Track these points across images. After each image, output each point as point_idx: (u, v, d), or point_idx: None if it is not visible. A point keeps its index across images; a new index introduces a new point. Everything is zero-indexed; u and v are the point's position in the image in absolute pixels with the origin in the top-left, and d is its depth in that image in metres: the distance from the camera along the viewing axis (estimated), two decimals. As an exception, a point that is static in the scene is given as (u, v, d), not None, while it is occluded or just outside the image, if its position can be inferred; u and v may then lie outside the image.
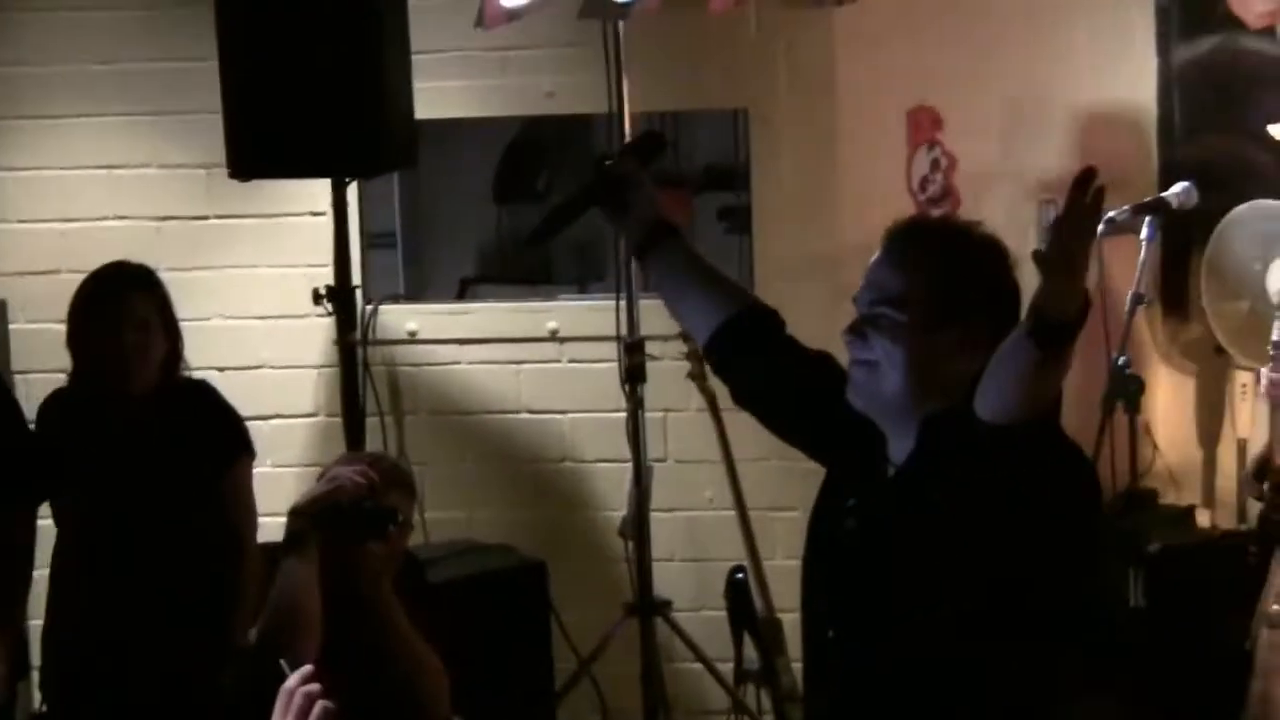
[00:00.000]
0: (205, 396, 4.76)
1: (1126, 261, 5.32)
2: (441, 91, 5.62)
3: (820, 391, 3.07)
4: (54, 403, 4.74)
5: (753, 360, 3.22)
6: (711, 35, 5.66)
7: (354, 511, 3.62)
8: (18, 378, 5.77)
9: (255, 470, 4.84)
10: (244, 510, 4.69)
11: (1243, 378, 5.69)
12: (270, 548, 4.15)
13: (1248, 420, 5.72)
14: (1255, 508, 5.49)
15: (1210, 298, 5.47)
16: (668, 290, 3.35)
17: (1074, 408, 5.52)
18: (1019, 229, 5.61)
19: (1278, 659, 4.72)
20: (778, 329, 3.28)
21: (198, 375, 4.87)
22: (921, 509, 2.87)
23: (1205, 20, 5.94)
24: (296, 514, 3.51)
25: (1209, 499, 5.93)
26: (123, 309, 4.60)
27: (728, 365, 3.38)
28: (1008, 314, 2.83)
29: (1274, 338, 4.76)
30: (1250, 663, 4.87)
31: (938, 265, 2.87)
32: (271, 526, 4.30)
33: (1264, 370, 4.84)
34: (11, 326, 5.96)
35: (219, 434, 4.71)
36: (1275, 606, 4.73)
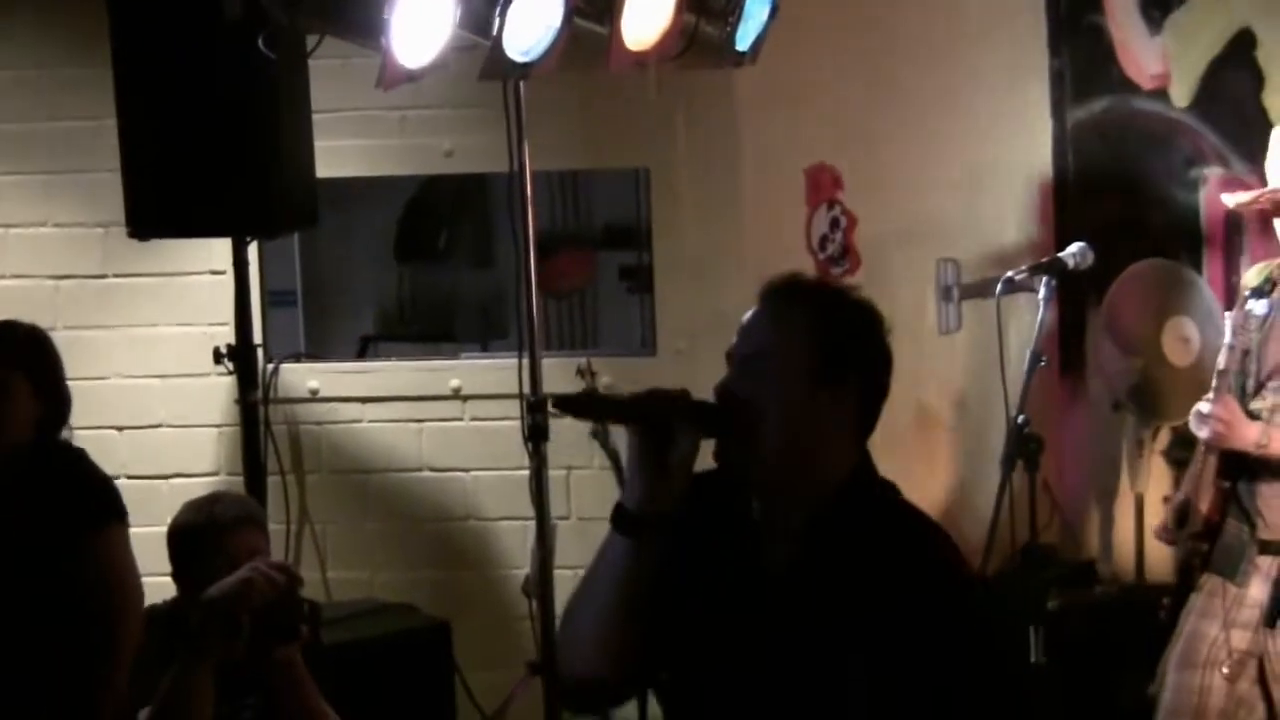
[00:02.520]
0: (74, 464, 4.44)
1: (1023, 321, 5.30)
2: (341, 150, 5.54)
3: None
4: None
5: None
6: (612, 96, 5.55)
7: (270, 614, 3.52)
8: None
9: (151, 530, 4.34)
10: (113, 579, 4.31)
11: (1139, 434, 5.72)
12: (156, 609, 4.11)
13: (1145, 475, 5.71)
14: (1154, 561, 5.67)
15: (1106, 356, 5.54)
16: (608, 578, 2.98)
17: (975, 465, 5.74)
18: (918, 287, 5.94)
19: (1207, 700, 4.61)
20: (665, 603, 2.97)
21: (95, 434, 4.82)
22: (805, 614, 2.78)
23: (1098, 83, 6.01)
24: (205, 606, 3.34)
25: (1107, 554, 5.94)
26: None
27: (641, 685, 3.25)
28: (879, 380, 2.80)
29: (1219, 366, 4.71)
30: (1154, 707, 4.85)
31: (815, 325, 2.78)
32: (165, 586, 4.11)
33: (1194, 415, 4.72)
34: None
35: (81, 502, 4.35)
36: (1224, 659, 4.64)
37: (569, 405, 2.90)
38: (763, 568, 2.79)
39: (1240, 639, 4.38)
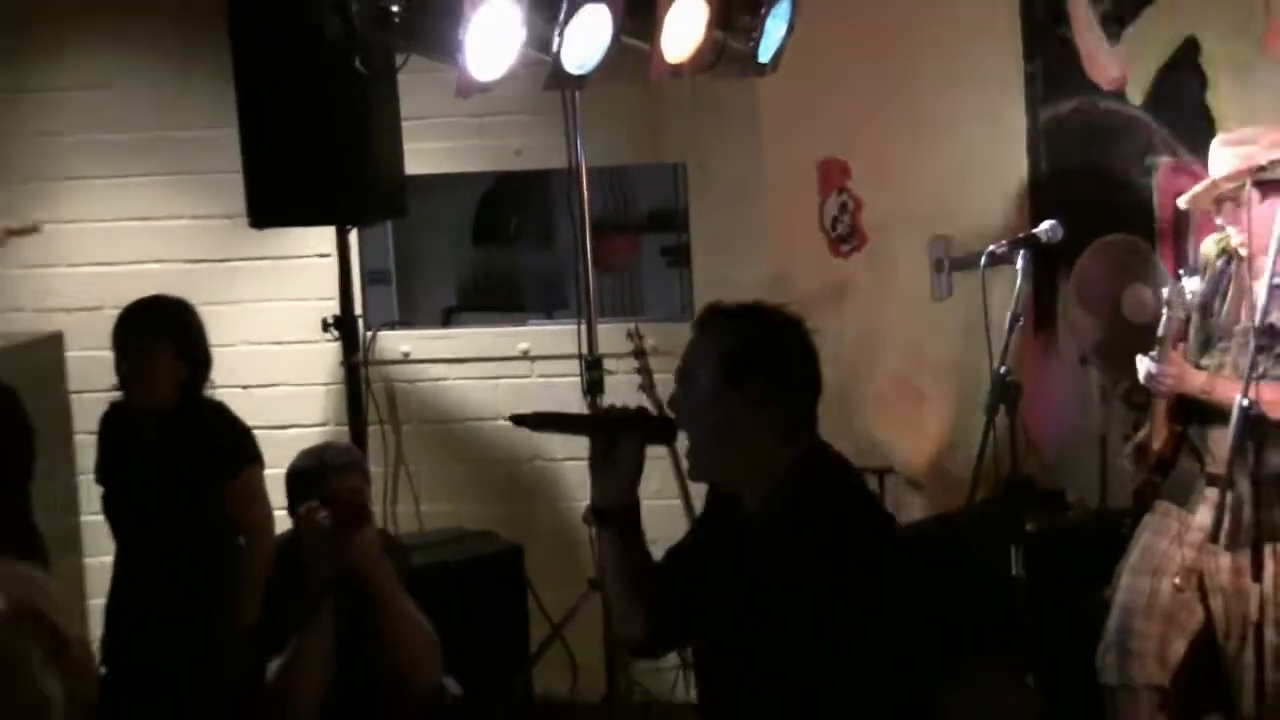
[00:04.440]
0: (218, 414, 4.95)
1: (1005, 288, 5.44)
2: (426, 151, 5.80)
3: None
4: (109, 414, 4.99)
5: (691, 628, 3.29)
6: (653, 101, 5.89)
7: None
8: (73, 396, 6.14)
9: (271, 471, 4.88)
10: (250, 511, 4.81)
11: (1102, 383, 6.11)
12: (281, 538, 4.54)
13: (1107, 418, 6.07)
14: (1115, 490, 5.93)
15: (1073, 317, 5.87)
16: (608, 563, 3.26)
17: (965, 409, 5.86)
18: (915, 260, 6.33)
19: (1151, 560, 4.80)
20: (677, 577, 3.26)
21: (225, 392, 5.07)
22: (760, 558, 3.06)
23: (1065, 86, 6.33)
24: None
25: (1075, 484, 6.22)
26: (127, 348, 4.87)
27: (675, 644, 3.67)
28: (794, 382, 3.09)
29: (1159, 333, 4.92)
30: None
31: (722, 343, 3.05)
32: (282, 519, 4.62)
33: (1143, 362, 4.95)
34: (68, 354, 6.23)
35: (226, 446, 4.88)
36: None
37: (526, 421, 3.16)
38: (745, 547, 3.10)
39: (1188, 556, 4.66)
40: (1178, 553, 4.70)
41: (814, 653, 3.02)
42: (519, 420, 3.24)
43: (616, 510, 3.01)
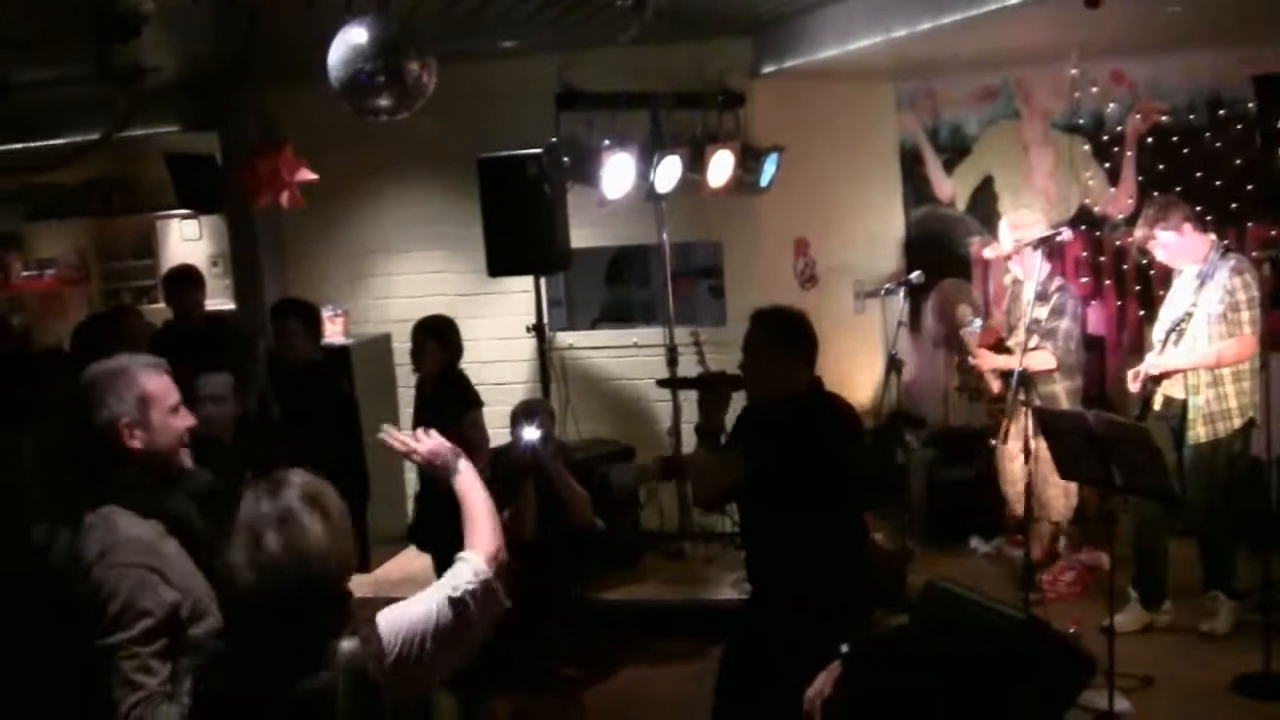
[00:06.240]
0: (460, 381, 6.06)
1: (892, 308, 7.06)
2: (582, 234, 7.16)
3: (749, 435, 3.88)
4: (419, 387, 6.21)
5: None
6: (704, 206, 7.24)
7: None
8: (399, 370, 7.69)
9: (500, 409, 6.05)
10: (481, 436, 5.74)
11: (949, 359, 7.64)
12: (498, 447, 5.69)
13: (950, 377, 7.59)
14: (954, 416, 7.48)
15: (930, 323, 7.61)
16: (699, 458, 3.96)
17: (872, 373, 7.49)
18: (845, 293, 8.02)
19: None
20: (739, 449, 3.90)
21: (471, 367, 6.20)
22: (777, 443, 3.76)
23: (922, 199, 8.25)
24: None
25: (932, 413, 7.91)
26: (416, 343, 6.04)
27: (725, 501, 4.31)
28: (807, 342, 3.97)
29: (1006, 281, 6.37)
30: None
31: (766, 325, 4.01)
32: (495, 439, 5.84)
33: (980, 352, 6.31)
34: (394, 345, 7.92)
35: (464, 399, 5.95)
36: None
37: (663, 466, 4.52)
38: (770, 433, 3.81)
39: (1021, 446, 5.70)
40: (1022, 446, 5.74)
41: (807, 489, 3.79)
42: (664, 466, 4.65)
43: (710, 432, 3.95)
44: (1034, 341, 6.13)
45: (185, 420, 3.08)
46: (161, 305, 9.51)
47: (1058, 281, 6.42)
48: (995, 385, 6.46)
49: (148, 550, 2.85)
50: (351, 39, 4.66)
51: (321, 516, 2.44)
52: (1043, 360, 6.22)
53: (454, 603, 2.67)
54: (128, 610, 2.77)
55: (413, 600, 2.68)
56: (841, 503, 3.91)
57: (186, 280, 7.07)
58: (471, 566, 2.76)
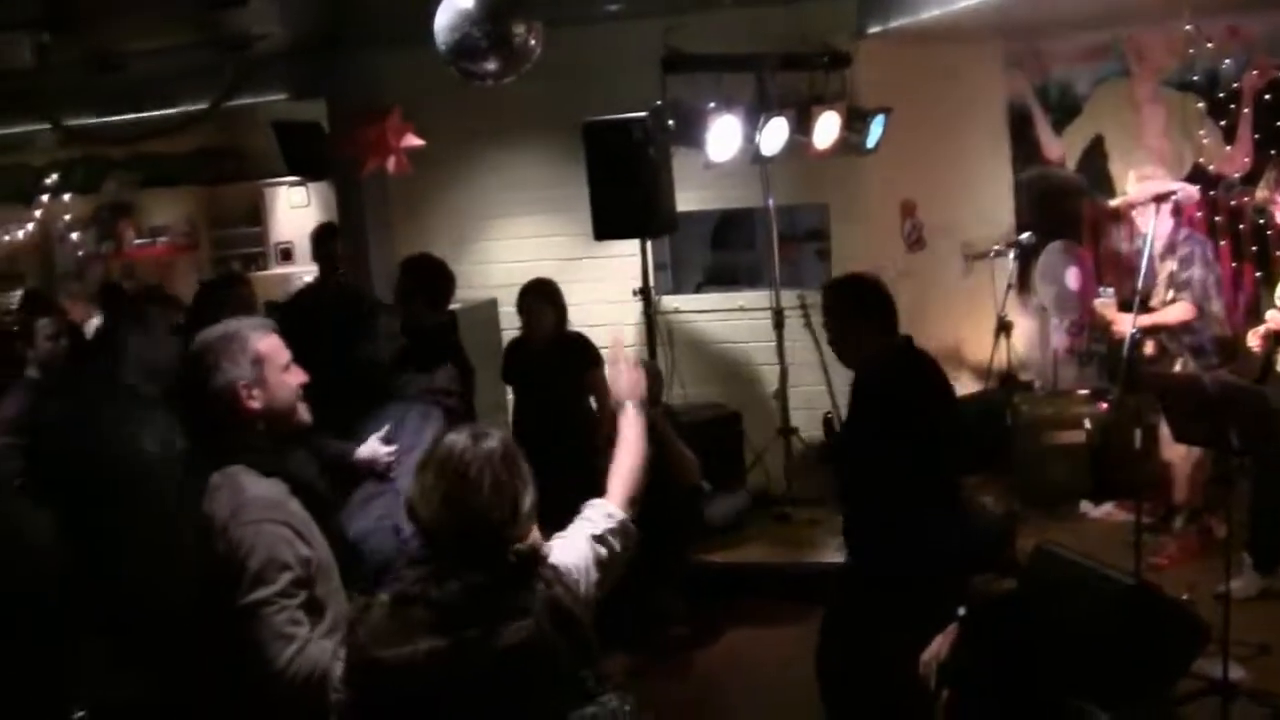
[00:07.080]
0: (579, 340, 6.19)
1: (1004, 269, 7.09)
2: (687, 197, 7.14)
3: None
4: (513, 344, 6.44)
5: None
6: (810, 167, 7.29)
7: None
8: (504, 333, 7.62)
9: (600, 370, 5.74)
10: (598, 388, 5.79)
11: (1053, 323, 7.84)
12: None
13: (1047, 334, 7.80)
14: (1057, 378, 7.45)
15: (1039, 283, 7.32)
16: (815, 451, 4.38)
17: (983, 331, 7.16)
18: (951, 254, 7.96)
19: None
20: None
21: (581, 330, 6.29)
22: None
23: (1030, 160, 8.14)
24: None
25: (1044, 378, 8.01)
26: (529, 307, 6.16)
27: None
28: (883, 305, 4.05)
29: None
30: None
31: (837, 292, 4.20)
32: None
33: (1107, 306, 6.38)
34: (501, 309, 7.92)
35: (584, 358, 6.03)
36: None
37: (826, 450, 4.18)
38: (860, 395, 3.98)
39: None
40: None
41: (890, 450, 3.90)
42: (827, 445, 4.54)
43: (831, 451, 4.31)
44: (1169, 295, 6.22)
45: (298, 376, 3.17)
46: (270, 272, 10.14)
47: (1184, 232, 6.46)
48: (1148, 346, 6.42)
49: (276, 506, 2.92)
50: (458, 3, 4.69)
51: (517, 472, 2.61)
52: (1182, 311, 6.25)
53: (598, 539, 2.82)
54: (270, 565, 2.83)
55: (563, 537, 2.82)
56: (932, 465, 3.94)
57: (328, 233, 7.41)
58: (603, 510, 2.91)
